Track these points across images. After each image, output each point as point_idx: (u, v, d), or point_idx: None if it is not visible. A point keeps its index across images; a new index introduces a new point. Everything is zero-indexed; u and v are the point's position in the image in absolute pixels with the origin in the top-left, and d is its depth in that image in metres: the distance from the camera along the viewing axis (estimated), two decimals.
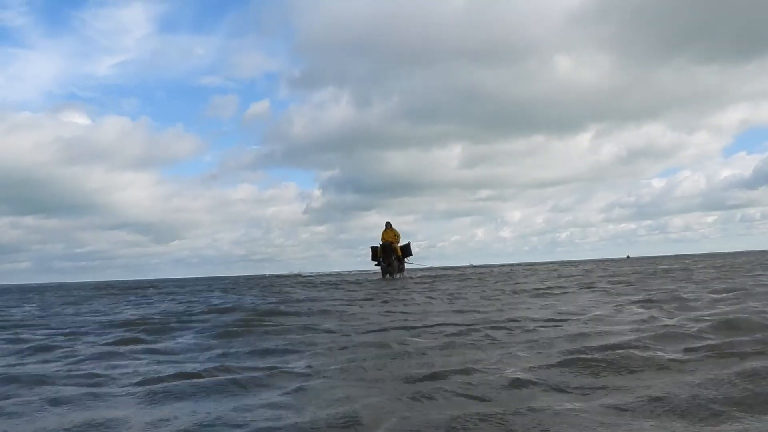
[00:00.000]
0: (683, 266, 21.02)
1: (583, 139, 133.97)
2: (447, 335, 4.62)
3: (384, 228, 23.61)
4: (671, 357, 3.22)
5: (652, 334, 4.06)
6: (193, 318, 7.22)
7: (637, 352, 3.32)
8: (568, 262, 72.61)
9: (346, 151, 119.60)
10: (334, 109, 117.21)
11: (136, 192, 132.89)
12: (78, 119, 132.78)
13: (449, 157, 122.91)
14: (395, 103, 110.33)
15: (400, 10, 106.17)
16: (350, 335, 4.92)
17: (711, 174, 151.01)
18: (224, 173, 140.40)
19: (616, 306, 6.48)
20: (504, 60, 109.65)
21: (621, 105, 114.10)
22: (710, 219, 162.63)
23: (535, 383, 2.81)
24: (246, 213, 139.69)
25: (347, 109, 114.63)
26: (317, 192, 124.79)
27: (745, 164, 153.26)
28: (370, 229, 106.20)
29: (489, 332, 4.65)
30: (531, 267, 39.21)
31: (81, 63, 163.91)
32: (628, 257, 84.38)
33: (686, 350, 3.43)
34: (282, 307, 8.19)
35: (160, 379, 3.31)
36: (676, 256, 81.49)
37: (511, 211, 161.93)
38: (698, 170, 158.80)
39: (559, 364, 3.19)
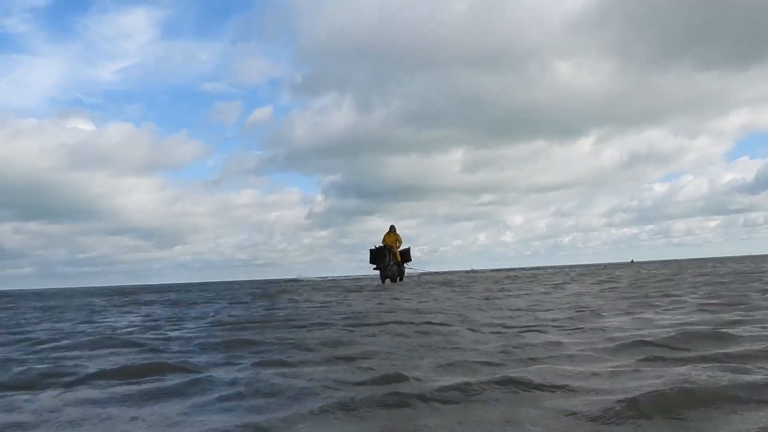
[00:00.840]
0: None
1: (585, 143, 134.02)
2: None
3: (387, 231, 23.10)
4: None
5: None
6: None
7: None
8: (575, 266, 72.09)
9: (348, 156, 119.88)
10: (336, 115, 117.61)
11: (139, 197, 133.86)
12: (83, 125, 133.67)
13: (451, 161, 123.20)
14: (397, 108, 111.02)
15: (401, 16, 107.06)
16: None
17: (713, 178, 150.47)
18: (227, 178, 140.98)
19: None
20: (505, 65, 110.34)
21: (622, 110, 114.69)
22: (713, 223, 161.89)
23: None
24: (249, 218, 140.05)
25: (349, 114, 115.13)
26: (319, 197, 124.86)
27: (748, 169, 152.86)
28: (372, 233, 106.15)
29: None
30: (536, 272, 38.71)
31: (84, 68, 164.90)
32: (632, 261, 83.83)
33: None
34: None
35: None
36: (690, 260, 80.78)
37: (513, 215, 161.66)
38: (701, 175, 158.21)
39: None
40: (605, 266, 43.39)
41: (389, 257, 22.14)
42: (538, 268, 73.16)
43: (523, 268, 70.26)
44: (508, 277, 24.46)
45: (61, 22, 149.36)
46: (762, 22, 78.22)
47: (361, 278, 36.86)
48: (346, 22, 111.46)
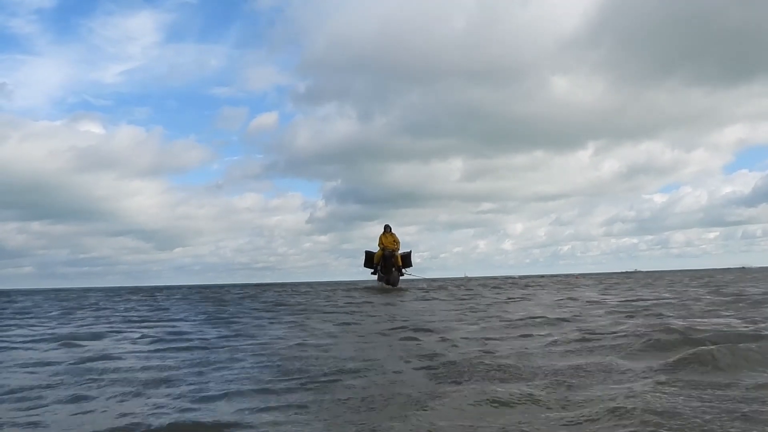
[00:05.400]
0: None
1: (583, 155, 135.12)
2: None
3: (383, 231, 21.64)
4: None
5: None
6: None
7: None
8: (581, 275, 71.64)
9: (348, 162, 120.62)
10: (337, 123, 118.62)
11: (143, 200, 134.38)
12: (94, 128, 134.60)
13: (450, 170, 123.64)
14: (396, 118, 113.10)
15: (402, 31, 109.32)
16: None
17: (713, 190, 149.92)
18: (230, 183, 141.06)
19: None
20: (502, 80, 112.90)
21: (617, 123, 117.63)
22: (712, 235, 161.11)
23: None
24: (250, 222, 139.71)
25: (350, 123, 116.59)
26: (320, 202, 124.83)
27: (747, 182, 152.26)
28: (372, 239, 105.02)
29: None
30: (560, 279, 38.11)
31: (88, 70, 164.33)
32: (635, 271, 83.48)
33: None
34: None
35: None
36: (687, 271, 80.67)
37: (513, 223, 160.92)
38: (699, 187, 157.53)
39: None
40: (576, 276, 42.22)
41: (394, 264, 20.87)
42: (535, 276, 72.80)
43: (519, 276, 69.85)
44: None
45: (65, 23, 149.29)
46: (746, 44, 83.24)
47: (359, 282, 36.07)
48: (349, 35, 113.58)
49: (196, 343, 5.11)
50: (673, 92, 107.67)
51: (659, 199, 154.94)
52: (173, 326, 7.09)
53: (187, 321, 7.97)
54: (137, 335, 6.03)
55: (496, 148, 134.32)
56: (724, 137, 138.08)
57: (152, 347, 4.97)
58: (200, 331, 6.24)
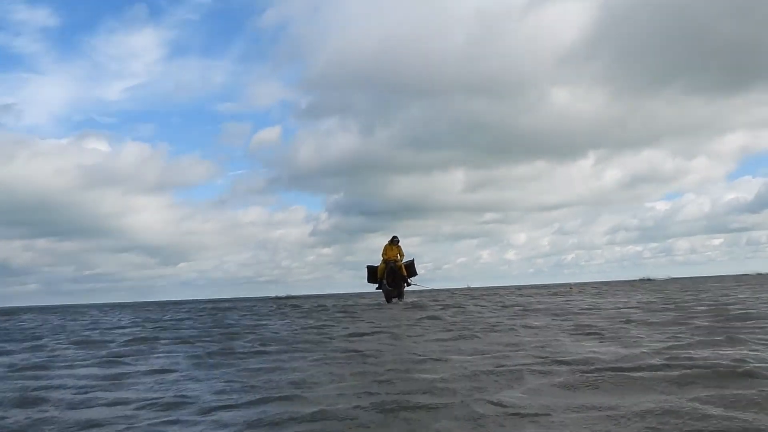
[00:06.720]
0: None
1: (585, 165, 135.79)
2: None
3: (387, 242, 20.27)
4: None
5: None
6: None
7: None
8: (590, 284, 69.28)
9: (351, 175, 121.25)
10: (340, 137, 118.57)
11: (148, 215, 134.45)
12: (100, 146, 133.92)
13: (453, 181, 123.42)
14: (398, 131, 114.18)
15: (403, 46, 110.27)
16: None
17: (716, 198, 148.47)
18: (234, 197, 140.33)
19: None
20: (502, 92, 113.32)
21: (618, 133, 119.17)
22: (716, 242, 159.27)
23: None
24: (254, 236, 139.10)
25: (352, 137, 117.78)
26: (324, 215, 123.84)
27: (750, 188, 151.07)
28: (375, 251, 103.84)
29: None
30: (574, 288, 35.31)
31: (92, 88, 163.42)
32: (645, 279, 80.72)
33: None
34: None
35: None
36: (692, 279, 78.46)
37: (516, 233, 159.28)
38: (702, 194, 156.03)
39: None
40: (570, 287, 38.96)
41: (399, 277, 19.46)
42: (541, 286, 70.50)
43: (524, 286, 67.64)
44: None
45: (69, 42, 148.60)
46: (743, 53, 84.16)
47: (365, 295, 33.94)
48: (350, 51, 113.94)
49: None
50: (672, 102, 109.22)
51: (662, 207, 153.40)
52: None
53: None
54: None
55: (497, 159, 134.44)
56: (725, 145, 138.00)
57: None
58: None
